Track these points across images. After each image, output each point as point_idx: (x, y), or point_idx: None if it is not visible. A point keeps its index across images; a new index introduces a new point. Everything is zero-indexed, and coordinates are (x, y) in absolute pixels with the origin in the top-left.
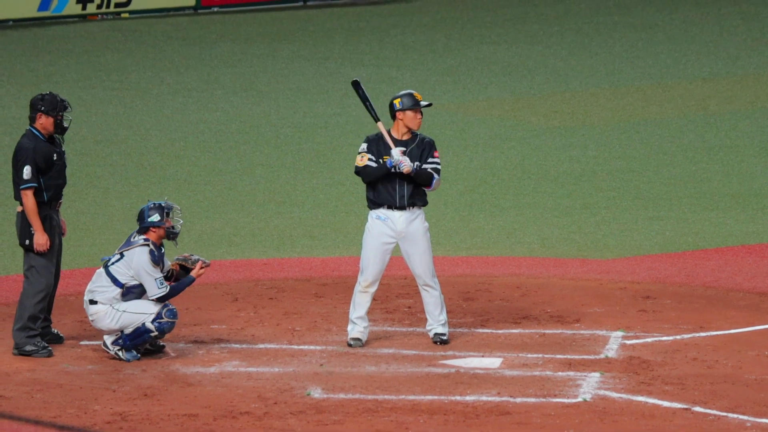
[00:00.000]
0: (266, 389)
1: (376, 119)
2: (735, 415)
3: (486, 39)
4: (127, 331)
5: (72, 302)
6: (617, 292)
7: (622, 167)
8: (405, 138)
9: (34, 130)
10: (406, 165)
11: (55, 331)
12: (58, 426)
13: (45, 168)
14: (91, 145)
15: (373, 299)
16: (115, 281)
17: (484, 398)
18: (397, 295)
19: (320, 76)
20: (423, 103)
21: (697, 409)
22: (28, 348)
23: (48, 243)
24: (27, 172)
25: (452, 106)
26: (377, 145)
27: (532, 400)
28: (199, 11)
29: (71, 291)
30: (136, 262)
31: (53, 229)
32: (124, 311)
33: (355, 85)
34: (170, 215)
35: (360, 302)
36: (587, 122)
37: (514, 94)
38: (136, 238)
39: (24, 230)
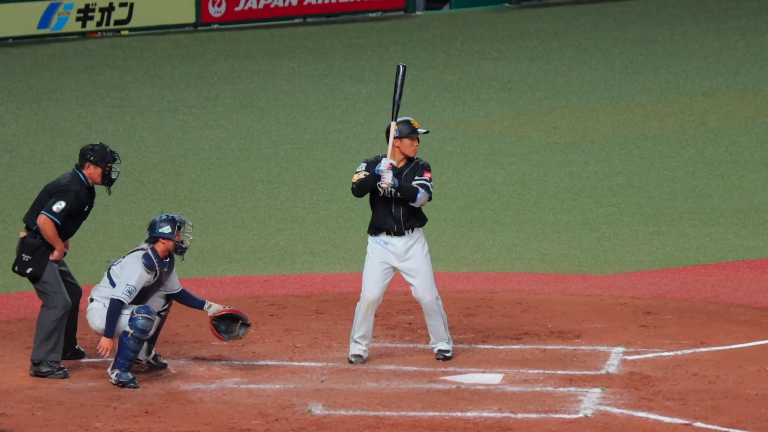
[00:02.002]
0: (267, 406)
1: (393, 117)
2: (736, 431)
3: (486, 55)
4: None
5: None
6: (618, 307)
7: (622, 182)
8: (400, 165)
9: (81, 176)
10: (385, 179)
11: (77, 346)
12: None
13: (74, 214)
14: None
15: (375, 316)
16: (112, 282)
17: (485, 414)
18: (397, 311)
19: (320, 93)
20: (421, 130)
21: (698, 424)
22: (44, 369)
23: (64, 248)
24: (60, 206)
25: (452, 122)
26: (375, 167)
27: (533, 415)
28: (199, 28)
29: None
30: (126, 261)
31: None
32: (105, 305)
33: (402, 69)
34: (181, 229)
35: (362, 322)
36: (587, 138)
37: (514, 109)
38: (142, 244)
39: (27, 259)
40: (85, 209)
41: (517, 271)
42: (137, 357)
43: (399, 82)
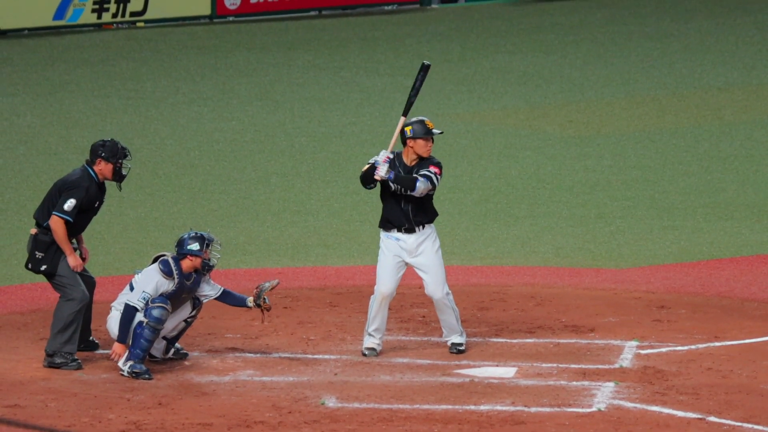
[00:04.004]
0: (280, 398)
1: (404, 113)
2: (750, 425)
3: (501, 48)
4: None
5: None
6: (632, 301)
7: (637, 177)
8: (413, 164)
9: (92, 171)
10: (379, 171)
11: (91, 338)
12: None
13: (85, 210)
14: None
15: (389, 309)
16: (131, 287)
17: (499, 408)
18: (411, 304)
19: (335, 86)
20: (435, 131)
21: (712, 419)
22: (58, 360)
23: (81, 263)
24: (71, 204)
25: (467, 115)
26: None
27: (547, 409)
28: (215, 20)
29: None
30: (146, 269)
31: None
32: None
33: (425, 69)
34: (210, 247)
35: (375, 315)
36: (602, 132)
37: (530, 103)
38: (166, 253)
39: (40, 256)
40: (96, 205)
41: (531, 265)
42: (154, 354)
43: (419, 78)
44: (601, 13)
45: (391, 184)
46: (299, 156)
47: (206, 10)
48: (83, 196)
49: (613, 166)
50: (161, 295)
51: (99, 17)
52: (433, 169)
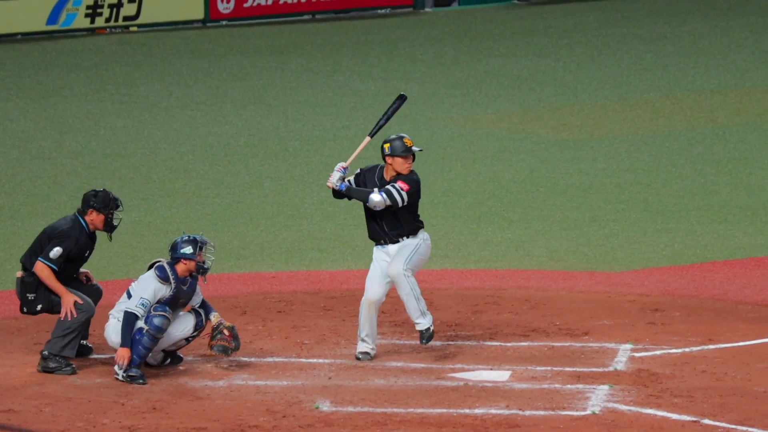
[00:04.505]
0: (275, 402)
1: (370, 134)
2: (744, 428)
3: (495, 52)
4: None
5: None
6: (626, 304)
7: (630, 180)
8: (390, 180)
9: (82, 221)
10: (330, 179)
11: (85, 342)
12: None
13: (74, 259)
14: (99, 158)
15: (382, 312)
16: (129, 295)
17: (493, 411)
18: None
19: (329, 89)
20: (414, 148)
21: (706, 421)
22: (52, 365)
23: (74, 299)
24: (56, 253)
25: (461, 119)
26: (365, 176)
27: (541, 413)
28: (208, 24)
29: None
30: (142, 276)
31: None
32: (119, 320)
33: (401, 99)
34: (203, 250)
35: (365, 321)
36: (596, 135)
37: (523, 106)
38: (160, 259)
39: (32, 297)
40: (86, 255)
41: (525, 268)
42: (150, 362)
43: (393, 107)
44: (595, 16)
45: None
46: (293, 160)
47: (199, 15)
48: (72, 245)
49: (607, 169)
50: (160, 301)
51: (92, 22)
52: (399, 184)
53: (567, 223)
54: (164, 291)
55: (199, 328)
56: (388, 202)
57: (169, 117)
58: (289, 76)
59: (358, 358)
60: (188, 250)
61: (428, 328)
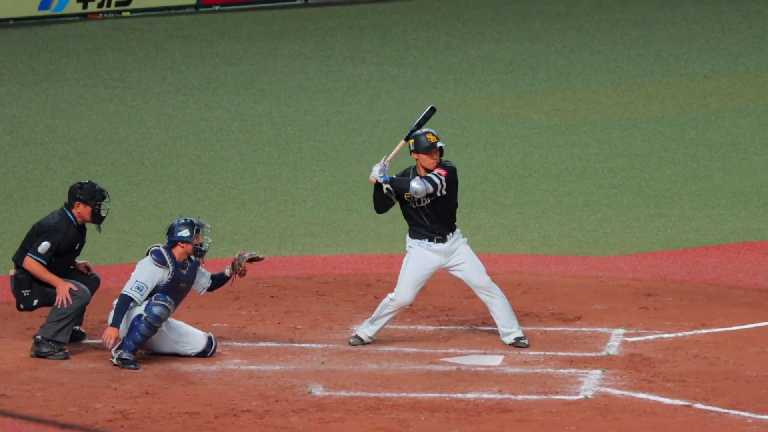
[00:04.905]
0: (267, 387)
1: (406, 138)
2: (736, 412)
3: (488, 37)
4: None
5: None
6: (619, 289)
7: (623, 165)
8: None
9: (70, 215)
10: (372, 174)
11: (78, 327)
12: (59, 424)
13: (64, 253)
14: (92, 143)
15: (374, 297)
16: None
17: (486, 396)
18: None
19: (321, 75)
20: (439, 144)
21: (699, 406)
22: (45, 349)
23: (69, 287)
24: (45, 247)
25: (453, 103)
26: (397, 183)
27: (534, 397)
28: (200, 9)
29: None
30: (140, 261)
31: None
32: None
33: (432, 110)
34: (200, 232)
35: (382, 320)
36: (589, 120)
37: (516, 91)
38: (159, 247)
39: (27, 293)
40: (76, 248)
41: (518, 253)
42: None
43: (425, 116)
44: (587, 1)
45: (386, 187)
46: (286, 145)
47: (192, 0)
48: (60, 239)
49: (600, 154)
50: (158, 286)
51: (84, 7)
52: (437, 170)
53: (560, 208)
54: (162, 275)
55: (202, 355)
56: (429, 189)
57: (161, 102)
58: (281, 62)
59: (350, 342)
60: (185, 233)
61: (525, 338)
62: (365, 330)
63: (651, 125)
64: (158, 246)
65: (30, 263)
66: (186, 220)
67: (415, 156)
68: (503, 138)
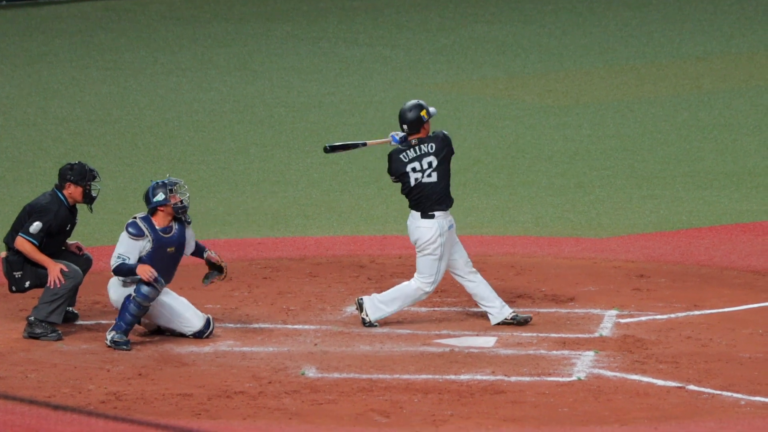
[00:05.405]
0: (260, 369)
1: (363, 144)
2: (729, 393)
3: (480, 18)
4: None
5: None
6: (611, 270)
7: (616, 146)
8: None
9: (61, 195)
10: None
11: (71, 308)
12: (52, 406)
13: (55, 233)
14: (84, 124)
15: (368, 279)
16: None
17: (479, 377)
18: (391, 274)
19: (314, 56)
20: (432, 110)
21: (692, 387)
22: (38, 330)
23: (61, 267)
24: (36, 227)
25: (446, 85)
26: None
27: (527, 378)
28: None
29: None
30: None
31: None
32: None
33: (331, 149)
34: (174, 191)
35: (403, 305)
36: (581, 101)
37: (508, 73)
38: (136, 218)
39: (19, 275)
40: (68, 228)
41: (511, 235)
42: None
43: (341, 147)
44: None
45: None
46: (278, 126)
47: None
48: (51, 219)
49: (592, 136)
50: (145, 257)
51: None
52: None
53: (552, 190)
54: (141, 245)
55: (199, 336)
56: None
57: (154, 83)
58: (274, 43)
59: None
60: (160, 196)
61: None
62: (380, 312)
63: (643, 107)
64: (135, 218)
65: (22, 243)
66: (158, 182)
67: (427, 126)
68: (495, 119)
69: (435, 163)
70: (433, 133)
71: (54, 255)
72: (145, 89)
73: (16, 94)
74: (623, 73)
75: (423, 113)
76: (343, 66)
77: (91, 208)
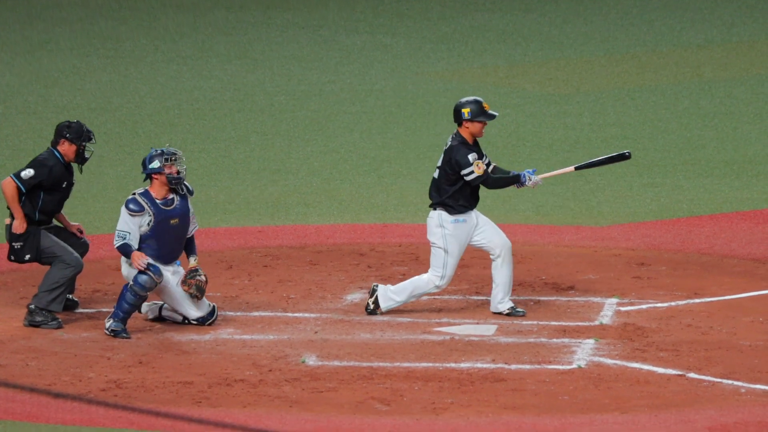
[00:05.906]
0: (261, 357)
1: (577, 167)
2: (729, 381)
3: (481, 6)
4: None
5: None
6: (612, 259)
7: (616, 134)
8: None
9: (57, 153)
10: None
11: (71, 296)
12: (53, 393)
13: (50, 189)
14: (85, 112)
15: (368, 267)
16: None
17: (479, 365)
18: (391, 262)
19: (314, 44)
20: (492, 112)
21: (692, 375)
22: (38, 318)
23: (26, 226)
24: (28, 174)
25: (447, 73)
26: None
27: (527, 366)
28: None
29: None
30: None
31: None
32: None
33: (623, 157)
34: (170, 161)
35: (414, 298)
36: (582, 89)
37: (509, 61)
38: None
39: (19, 246)
40: (64, 185)
41: (512, 223)
42: (139, 311)
43: (609, 159)
44: None
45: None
46: (279, 115)
47: None
48: (45, 174)
49: (593, 124)
50: (148, 233)
51: None
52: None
53: (553, 178)
54: (142, 220)
55: (202, 322)
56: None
57: (154, 72)
58: (274, 31)
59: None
60: (156, 164)
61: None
62: (390, 303)
63: (644, 95)
64: (134, 194)
65: (8, 183)
66: (156, 150)
67: (467, 124)
68: (496, 107)
69: (440, 163)
70: (457, 142)
71: (52, 214)
72: (146, 77)
73: (17, 83)
74: (624, 62)
75: (465, 110)
76: (344, 54)
77: (81, 169)
